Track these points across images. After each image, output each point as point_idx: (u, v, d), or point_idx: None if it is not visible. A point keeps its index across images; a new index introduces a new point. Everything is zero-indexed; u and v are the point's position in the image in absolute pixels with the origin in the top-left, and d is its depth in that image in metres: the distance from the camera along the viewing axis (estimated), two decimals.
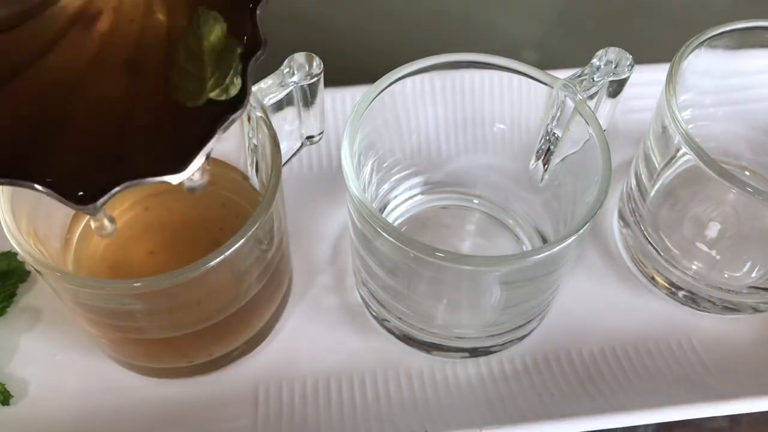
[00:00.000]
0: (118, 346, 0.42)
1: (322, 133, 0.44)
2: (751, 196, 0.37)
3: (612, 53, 0.40)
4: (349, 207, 0.39)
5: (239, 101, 0.29)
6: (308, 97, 0.41)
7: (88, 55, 0.30)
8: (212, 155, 0.30)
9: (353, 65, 0.64)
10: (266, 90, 0.39)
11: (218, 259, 0.33)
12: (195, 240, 0.41)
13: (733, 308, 0.45)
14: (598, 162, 0.37)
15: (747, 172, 0.50)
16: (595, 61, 0.40)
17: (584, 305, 0.46)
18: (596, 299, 0.46)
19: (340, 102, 0.54)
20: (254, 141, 0.40)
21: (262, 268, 0.40)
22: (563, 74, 0.40)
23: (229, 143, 0.41)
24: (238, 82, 0.29)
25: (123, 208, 0.42)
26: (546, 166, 0.42)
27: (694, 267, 0.44)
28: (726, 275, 0.44)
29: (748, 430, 0.44)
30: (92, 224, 0.32)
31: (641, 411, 0.41)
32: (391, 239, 0.35)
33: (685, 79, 0.43)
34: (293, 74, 0.40)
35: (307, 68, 0.40)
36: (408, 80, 0.41)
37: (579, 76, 0.40)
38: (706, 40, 0.43)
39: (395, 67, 0.40)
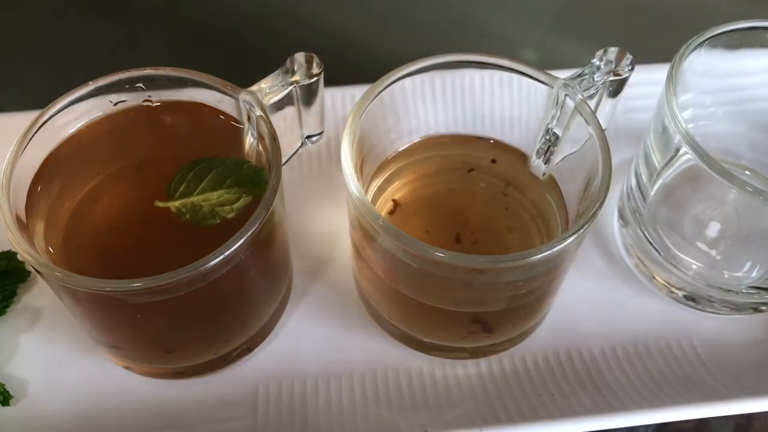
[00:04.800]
0: (118, 346, 0.42)
1: (322, 132, 0.44)
2: (752, 195, 0.37)
3: (612, 53, 0.40)
4: (349, 207, 0.39)
5: None
6: (308, 96, 0.41)
7: None
8: None
9: (353, 65, 0.64)
10: (266, 90, 0.39)
11: (218, 259, 0.33)
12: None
13: (733, 308, 0.45)
14: (598, 162, 0.37)
15: (747, 172, 0.50)
16: (595, 61, 0.40)
17: (584, 305, 0.46)
18: (596, 299, 0.46)
19: (340, 102, 0.54)
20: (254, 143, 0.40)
21: (262, 268, 0.40)
22: (563, 74, 0.40)
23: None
24: None
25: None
26: (546, 165, 0.42)
27: (694, 267, 0.44)
28: (726, 275, 0.44)
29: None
30: None
31: (641, 411, 0.41)
32: (390, 239, 0.35)
33: (685, 78, 0.43)
34: (293, 74, 0.40)
35: (307, 68, 0.40)
36: (408, 80, 0.41)
37: (579, 76, 0.40)
38: (706, 40, 0.43)
39: (395, 67, 0.40)
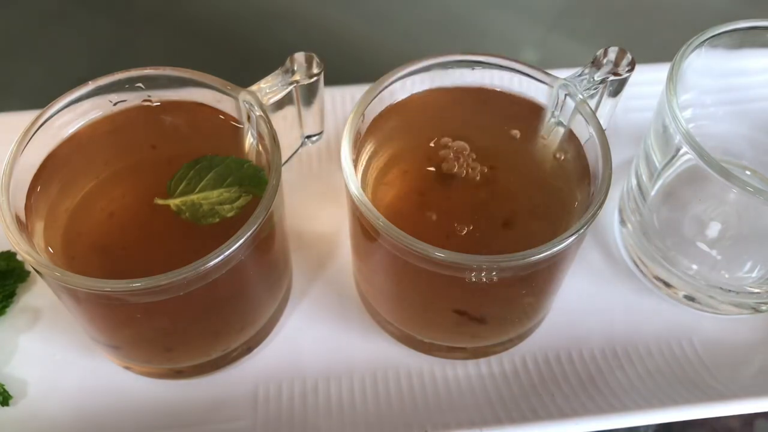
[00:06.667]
0: (117, 346, 0.42)
1: (321, 132, 0.44)
2: (752, 195, 0.37)
3: (612, 53, 0.40)
4: (349, 207, 0.39)
5: None
6: (308, 96, 0.41)
7: None
8: None
9: (353, 65, 0.64)
10: (266, 89, 0.39)
11: (218, 259, 0.33)
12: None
13: (733, 308, 0.45)
14: (598, 162, 0.37)
15: (748, 172, 0.50)
16: (595, 60, 0.40)
17: (584, 305, 0.46)
18: (596, 299, 0.46)
19: (340, 102, 0.54)
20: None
21: (262, 268, 0.40)
22: (563, 74, 0.40)
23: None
24: None
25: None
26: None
27: (694, 267, 0.44)
28: (726, 275, 0.44)
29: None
30: None
31: (641, 411, 0.41)
32: (391, 238, 0.35)
33: (685, 78, 0.43)
34: (293, 74, 0.40)
35: (306, 68, 0.40)
36: (408, 79, 0.41)
37: (579, 75, 0.40)
38: (706, 40, 0.43)
39: (395, 67, 0.40)
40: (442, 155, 0.41)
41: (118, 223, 0.39)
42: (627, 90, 0.41)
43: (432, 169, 0.41)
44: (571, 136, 0.40)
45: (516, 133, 0.42)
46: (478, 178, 0.40)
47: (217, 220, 0.37)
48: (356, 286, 0.46)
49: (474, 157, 0.41)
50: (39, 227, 0.38)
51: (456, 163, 0.41)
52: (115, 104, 0.41)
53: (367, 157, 0.41)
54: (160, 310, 0.36)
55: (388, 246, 0.36)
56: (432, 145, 0.42)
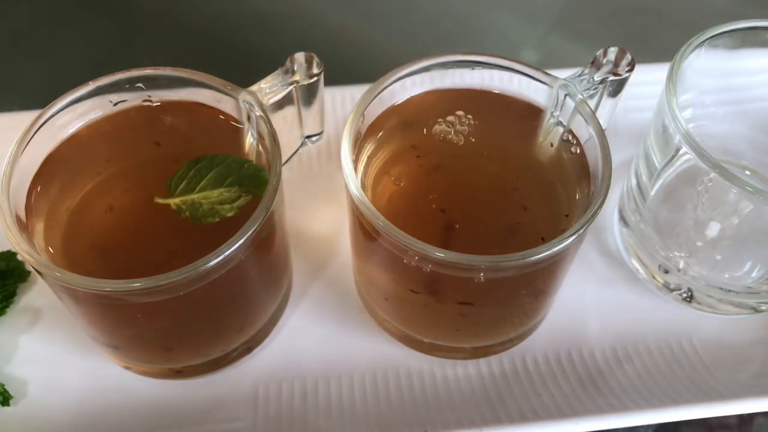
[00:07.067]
0: (117, 346, 0.42)
1: (321, 132, 0.44)
2: (752, 195, 0.37)
3: (612, 53, 0.40)
4: (349, 207, 0.39)
5: None
6: (308, 96, 0.41)
7: None
8: None
9: (353, 65, 0.64)
10: (266, 89, 0.39)
11: (218, 259, 0.33)
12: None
13: (733, 308, 0.45)
14: (598, 162, 0.37)
15: (747, 172, 0.50)
16: (595, 60, 0.40)
17: (584, 305, 0.46)
18: (596, 299, 0.46)
19: (340, 102, 0.54)
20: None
21: (262, 268, 0.40)
22: (563, 74, 0.40)
23: None
24: None
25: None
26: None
27: (694, 267, 0.44)
28: (726, 275, 0.44)
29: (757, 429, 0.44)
30: None
31: (641, 411, 0.41)
32: (391, 238, 0.35)
33: (685, 78, 0.43)
34: (293, 74, 0.40)
35: (307, 68, 0.40)
36: (408, 79, 0.41)
37: (579, 75, 0.40)
38: (706, 40, 0.43)
39: (395, 67, 0.40)
40: (438, 131, 0.41)
41: (119, 223, 0.39)
42: (627, 90, 0.41)
43: (432, 168, 0.41)
44: (571, 136, 0.40)
45: (516, 133, 0.42)
46: (464, 140, 0.40)
47: (217, 219, 0.37)
48: (356, 286, 0.46)
49: (465, 116, 0.41)
50: (39, 227, 0.38)
51: (452, 129, 0.41)
52: (115, 104, 0.41)
53: (367, 157, 0.41)
54: (160, 310, 0.36)
55: (388, 246, 0.36)
56: (431, 140, 0.42)
